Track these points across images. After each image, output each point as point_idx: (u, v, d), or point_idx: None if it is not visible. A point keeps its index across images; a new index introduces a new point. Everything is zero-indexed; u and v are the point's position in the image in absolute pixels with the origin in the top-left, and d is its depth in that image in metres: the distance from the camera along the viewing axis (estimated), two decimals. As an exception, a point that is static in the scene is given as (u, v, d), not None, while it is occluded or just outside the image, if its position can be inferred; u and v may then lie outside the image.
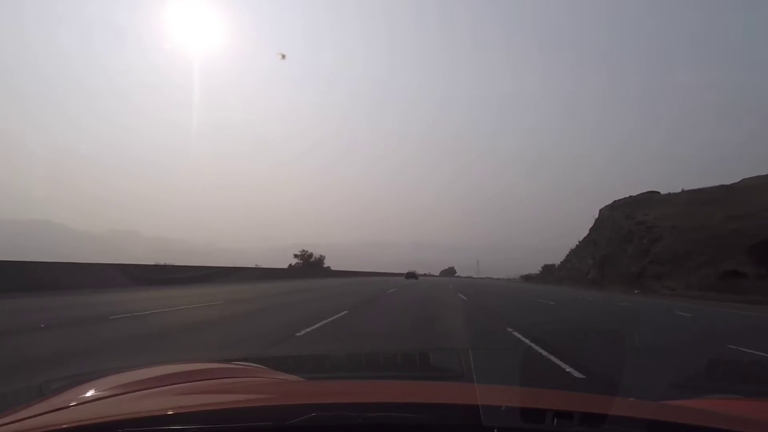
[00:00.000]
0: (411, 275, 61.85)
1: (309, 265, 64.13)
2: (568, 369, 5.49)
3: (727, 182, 60.97)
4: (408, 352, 5.51)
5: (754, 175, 59.15)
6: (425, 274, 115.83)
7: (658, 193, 68.56)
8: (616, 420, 1.06)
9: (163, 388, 1.52)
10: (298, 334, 7.54)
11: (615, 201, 72.07)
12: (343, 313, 10.96)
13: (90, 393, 1.47)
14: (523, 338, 7.98)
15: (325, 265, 68.35)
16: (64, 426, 1.09)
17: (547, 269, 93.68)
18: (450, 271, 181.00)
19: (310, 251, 67.35)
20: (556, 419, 1.06)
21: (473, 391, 1.44)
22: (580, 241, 77.50)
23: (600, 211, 74.40)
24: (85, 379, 1.70)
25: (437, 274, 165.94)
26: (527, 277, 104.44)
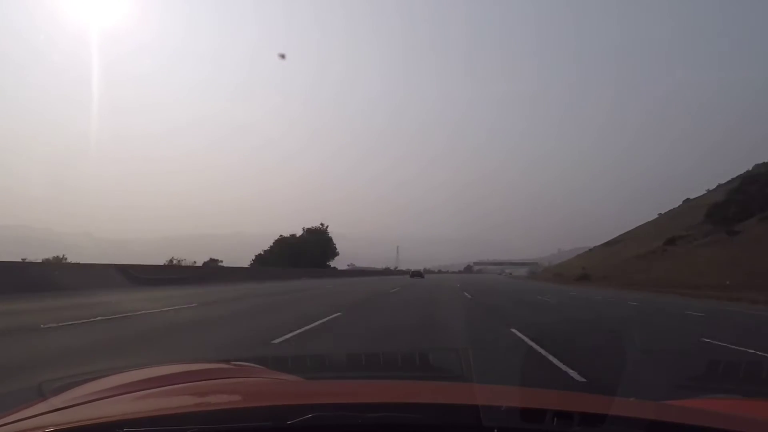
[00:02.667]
0: (417, 274, 61.82)
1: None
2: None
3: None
4: (408, 352, 5.51)
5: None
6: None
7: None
8: (616, 420, 1.06)
9: (163, 388, 1.52)
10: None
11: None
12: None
13: (90, 393, 1.47)
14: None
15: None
16: (64, 426, 1.09)
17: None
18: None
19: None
20: (555, 419, 1.06)
21: (473, 391, 1.44)
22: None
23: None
24: (85, 379, 1.70)
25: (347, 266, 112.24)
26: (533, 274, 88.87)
